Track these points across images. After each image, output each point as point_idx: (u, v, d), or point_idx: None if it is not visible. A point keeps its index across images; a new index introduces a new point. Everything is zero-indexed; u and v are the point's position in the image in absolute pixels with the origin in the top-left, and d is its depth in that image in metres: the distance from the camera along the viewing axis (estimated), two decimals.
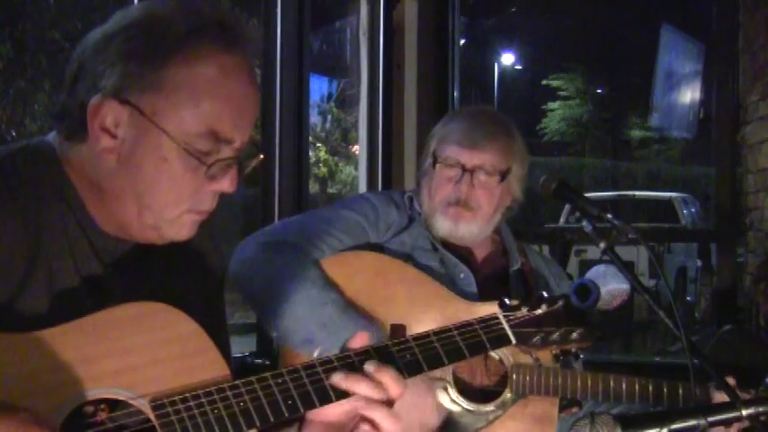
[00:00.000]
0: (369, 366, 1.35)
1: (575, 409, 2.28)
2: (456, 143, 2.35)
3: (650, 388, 2.12)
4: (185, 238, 1.40)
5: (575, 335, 1.66)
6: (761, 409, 1.34)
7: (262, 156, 1.44)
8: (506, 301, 1.62)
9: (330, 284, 2.18)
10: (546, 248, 7.91)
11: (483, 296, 2.32)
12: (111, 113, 1.31)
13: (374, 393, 1.34)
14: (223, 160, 1.34)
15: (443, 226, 2.35)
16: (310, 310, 2.10)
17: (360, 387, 1.34)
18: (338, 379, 1.34)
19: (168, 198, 1.34)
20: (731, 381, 2.04)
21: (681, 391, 2.11)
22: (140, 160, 1.32)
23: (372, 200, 2.42)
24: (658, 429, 1.29)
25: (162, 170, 1.32)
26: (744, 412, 1.33)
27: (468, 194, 2.33)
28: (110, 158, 1.33)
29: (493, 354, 2.21)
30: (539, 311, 1.63)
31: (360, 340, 1.42)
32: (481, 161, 2.33)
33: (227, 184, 1.36)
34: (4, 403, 1.18)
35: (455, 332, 1.51)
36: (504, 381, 2.21)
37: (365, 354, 1.40)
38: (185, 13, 1.33)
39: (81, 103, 1.32)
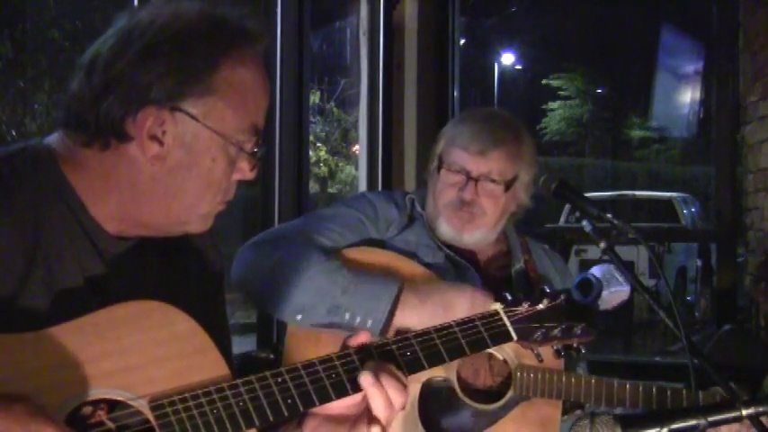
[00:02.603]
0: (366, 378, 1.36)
1: (577, 412, 2.26)
2: (462, 148, 2.31)
3: (654, 393, 2.11)
4: (207, 228, 1.46)
5: (577, 330, 1.65)
6: (761, 409, 1.33)
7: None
8: (508, 296, 1.61)
9: (336, 257, 2.17)
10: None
11: None
12: (160, 122, 1.35)
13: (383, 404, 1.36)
14: (260, 149, 1.42)
15: (447, 231, 2.33)
16: (326, 280, 2.09)
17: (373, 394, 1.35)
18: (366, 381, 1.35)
19: (207, 194, 1.40)
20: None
21: (684, 396, 2.10)
22: (190, 163, 1.37)
23: (371, 197, 2.41)
24: (658, 429, 1.29)
25: (210, 170, 1.39)
26: (744, 412, 1.32)
27: (473, 200, 2.31)
28: (156, 164, 1.36)
29: (497, 354, 2.21)
30: (540, 307, 1.62)
31: (363, 337, 1.42)
32: (487, 169, 2.29)
33: (252, 171, 1.43)
34: (4, 395, 1.17)
35: (456, 329, 1.50)
36: (507, 382, 2.21)
37: (366, 352, 1.40)
38: (220, 18, 1.39)
39: (121, 115, 1.34)
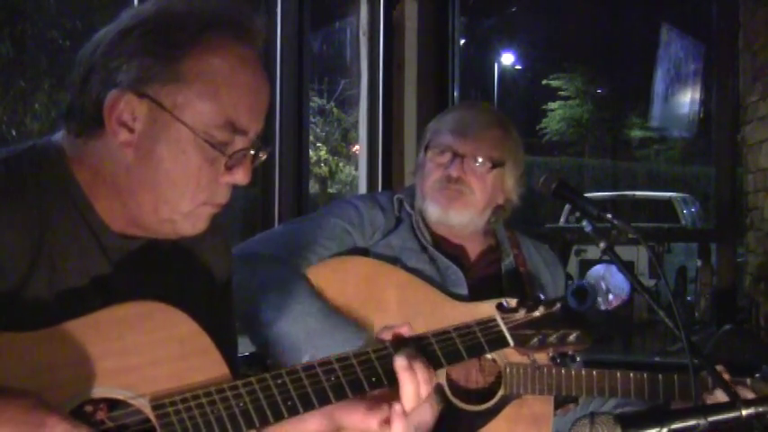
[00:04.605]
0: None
1: (571, 406, 2.27)
2: (448, 132, 2.33)
3: (645, 382, 2.12)
4: (199, 232, 1.41)
5: (572, 337, 1.66)
6: (761, 409, 1.33)
7: (269, 148, 1.45)
8: (504, 303, 1.62)
9: (315, 294, 2.15)
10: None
11: (475, 296, 2.29)
12: (128, 107, 1.32)
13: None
14: (240, 151, 1.36)
15: (434, 212, 2.32)
16: (294, 322, 2.07)
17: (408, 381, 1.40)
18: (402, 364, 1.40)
19: (185, 191, 1.35)
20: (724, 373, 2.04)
21: (676, 384, 2.11)
22: (159, 153, 1.33)
23: (356, 203, 2.38)
24: (658, 429, 1.29)
25: (180, 163, 1.33)
26: (744, 412, 1.33)
27: (459, 177, 2.30)
28: (128, 152, 1.34)
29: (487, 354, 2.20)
30: (536, 314, 1.63)
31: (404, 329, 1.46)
32: (473, 148, 2.30)
33: (241, 175, 1.38)
34: (8, 389, 1.18)
35: (453, 334, 1.51)
36: (498, 380, 2.21)
37: (365, 356, 1.40)
38: (199, 7, 1.35)
39: (95, 99, 1.33)
